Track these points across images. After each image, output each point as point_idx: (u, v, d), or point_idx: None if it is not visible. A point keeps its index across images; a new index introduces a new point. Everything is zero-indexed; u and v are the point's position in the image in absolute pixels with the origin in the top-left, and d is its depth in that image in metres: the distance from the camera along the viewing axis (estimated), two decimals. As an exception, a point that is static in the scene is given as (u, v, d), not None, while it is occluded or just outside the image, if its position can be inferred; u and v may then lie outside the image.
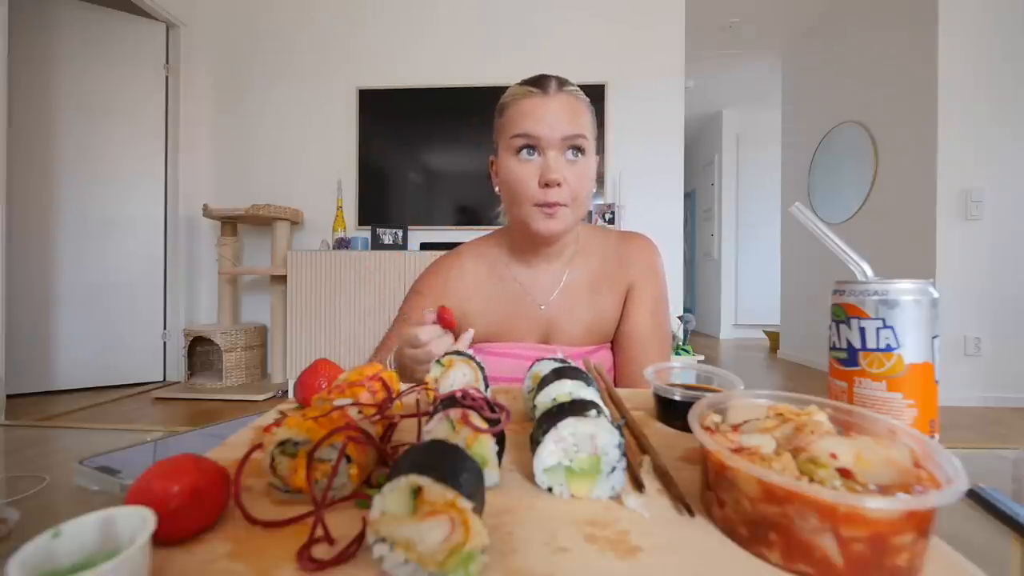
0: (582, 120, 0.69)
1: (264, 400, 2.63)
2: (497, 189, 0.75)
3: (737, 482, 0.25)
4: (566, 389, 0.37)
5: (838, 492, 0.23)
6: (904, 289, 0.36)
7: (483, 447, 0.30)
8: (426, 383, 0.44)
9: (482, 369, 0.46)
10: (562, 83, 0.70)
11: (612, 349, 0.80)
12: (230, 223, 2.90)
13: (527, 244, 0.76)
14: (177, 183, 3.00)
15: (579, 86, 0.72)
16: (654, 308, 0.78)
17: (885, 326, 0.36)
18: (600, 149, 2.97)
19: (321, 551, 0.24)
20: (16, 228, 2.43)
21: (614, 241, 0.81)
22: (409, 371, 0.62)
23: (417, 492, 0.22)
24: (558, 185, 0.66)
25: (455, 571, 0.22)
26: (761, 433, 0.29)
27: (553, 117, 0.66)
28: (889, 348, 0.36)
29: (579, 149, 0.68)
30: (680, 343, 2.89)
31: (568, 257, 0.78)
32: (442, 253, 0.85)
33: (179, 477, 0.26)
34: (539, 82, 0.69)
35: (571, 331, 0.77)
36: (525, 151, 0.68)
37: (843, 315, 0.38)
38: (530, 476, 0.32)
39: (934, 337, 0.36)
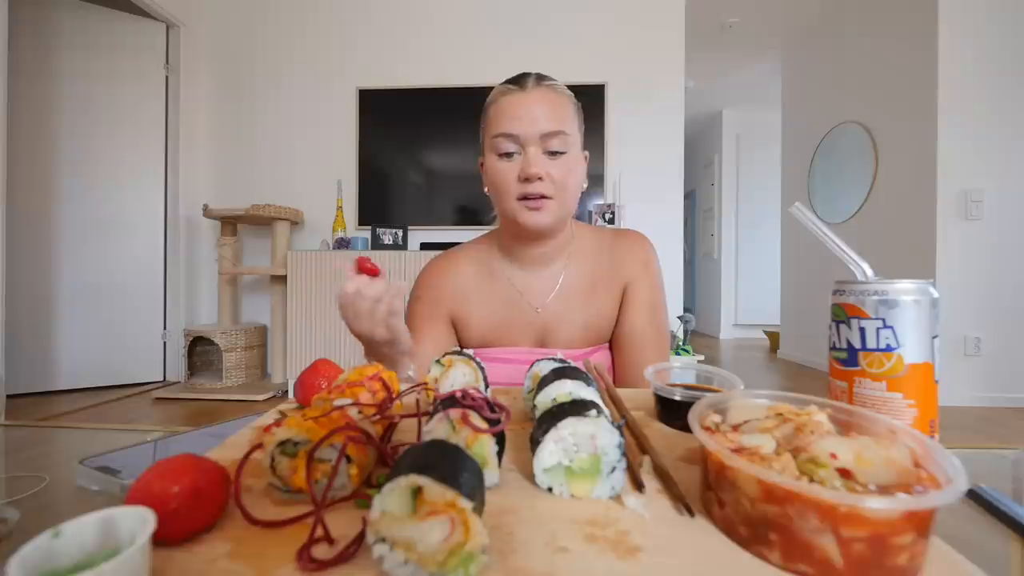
0: (562, 113, 0.68)
1: (264, 400, 2.63)
2: (487, 190, 0.74)
3: (737, 482, 0.25)
4: (566, 389, 0.37)
5: (838, 492, 0.23)
6: (904, 289, 0.36)
7: (483, 447, 0.30)
8: (426, 383, 0.44)
9: (482, 369, 0.46)
10: (540, 78, 0.70)
11: (610, 349, 0.79)
12: (230, 223, 2.90)
13: (517, 243, 0.75)
14: (177, 183, 3.00)
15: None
16: (650, 306, 0.77)
17: (885, 326, 0.36)
18: (599, 148, 2.98)
19: (321, 551, 0.24)
20: (16, 228, 2.43)
21: (608, 240, 0.80)
22: (371, 348, 0.62)
23: (417, 492, 0.22)
24: (539, 179, 0.66)
25: (455, 571, 0.22)
26: (761, 433, 0.29)
27: (531, 114, 0.66)
28: (889, 348, 0.36)
29: (561, 144, 0.67)
30: (680, 343, 2.89)
31: (563, 259, 0.77)
32: (437, 253, 0.84)
33: (179, 477, 0.26)
34: (518, 79, 0.70)
35: (567, 334, 0.76)
36: (507, 150, 0.67)
37: (843, 315, 0.38)
38: (530, 476, 0.32)
39: (934, 337, 0.36)
